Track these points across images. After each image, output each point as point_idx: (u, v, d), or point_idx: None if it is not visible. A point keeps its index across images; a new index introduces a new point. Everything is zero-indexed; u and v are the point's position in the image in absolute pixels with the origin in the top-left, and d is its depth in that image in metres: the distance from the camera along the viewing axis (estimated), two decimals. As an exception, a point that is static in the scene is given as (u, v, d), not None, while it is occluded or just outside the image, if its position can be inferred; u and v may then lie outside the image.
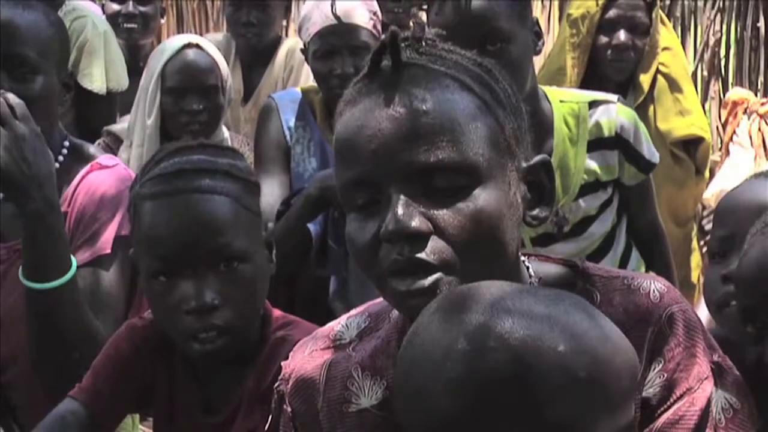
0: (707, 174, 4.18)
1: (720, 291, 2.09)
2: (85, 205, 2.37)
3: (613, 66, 3.86)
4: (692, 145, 3.96)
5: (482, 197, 1.34)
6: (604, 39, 3.84)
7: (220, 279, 1.91)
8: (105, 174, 2.39)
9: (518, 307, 1.23)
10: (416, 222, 1.33)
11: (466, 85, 1.38)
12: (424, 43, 1.41)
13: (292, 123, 3.20)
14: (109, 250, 2.32)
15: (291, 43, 4.47)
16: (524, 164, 1.41)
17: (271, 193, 3.05)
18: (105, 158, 2.45)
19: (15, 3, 2.37)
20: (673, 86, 3.95)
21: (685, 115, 3.94)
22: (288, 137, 3.18)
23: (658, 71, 3.94)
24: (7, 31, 2.32)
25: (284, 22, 4.82)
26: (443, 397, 1.22)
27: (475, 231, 1.34)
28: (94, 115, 4.06)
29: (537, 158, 1.43)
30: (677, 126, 3.93)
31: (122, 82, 4.17)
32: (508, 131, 1.39)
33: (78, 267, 2.27)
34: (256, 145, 3.31)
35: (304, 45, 3.22)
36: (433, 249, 1.33)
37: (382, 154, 1.34)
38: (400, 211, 1.33)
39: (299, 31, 3.27)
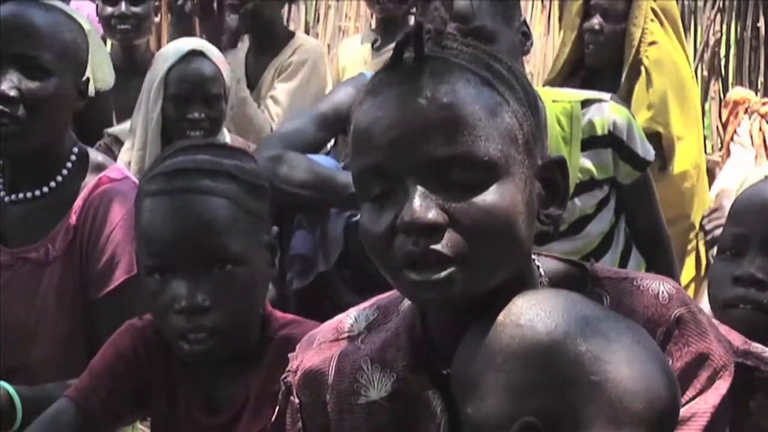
0: (673, 169, 4.16)
1: (729, 291, 2.07)
2: (97, 224, 2.37)
3: (586, 50, 3.96)
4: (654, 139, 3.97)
5: (499, 192, 1.35)
6: (585, 25, 3.96)
7: (214, 281, 1.90)
8: (115, 189, 2.38)
9: (575, 305, 1.34)
10: (433, 214, 1.33)
11: (487, 81, 1.38)
12: (445, 38, 1.41)
13: None
14: (135, 271, 2.32)
15: (298, 42, 4.48)
16: (539, 162, 1.42)
17: (304, 130, 3.02)
18: (114, 171, 2.44)
19: (37, 4, 2.39)
20: (649, 80, 3.97)
21: (649, 109, 3.96)
22: None
23: (642, 64, 3.97)
24: (25, 31, 2.33)
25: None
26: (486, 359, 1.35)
27: (491, 225, 1.34)
28: (86, 115, 4.06)
29: (552, 156, 1.44)
30: (641, 119, 3.94)
31: (108, 79, 4.16)
32: (526, 128, 1.39)
33: (107, 292, 2.33)
34: (330, 92, 3.28)
35: None
36: (449, 241, 1.33)
37: (400, 144, 1.35)
38: (417, 202, 1.33)
39: None
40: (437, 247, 1.33)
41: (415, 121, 1.35)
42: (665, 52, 4.08)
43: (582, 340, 1.30)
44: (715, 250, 3.31)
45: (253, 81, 4.47)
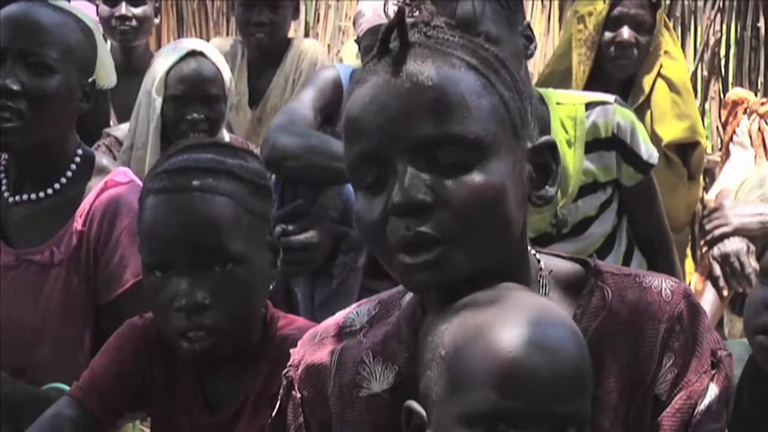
0: (701, 179, 4.19)
1: (762, 318, 2.08)
2: (105, 229, 2.38)
3: (616, 63, 3.88)
4: (688, 149, 3.96)
5: (486, 171, 1.37)
6: (608, 35, 3.87)
7: (214, 279, 1.91)
8: (121, 193, 2.39)
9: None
10: (422, 194, 1.35)
11: (472, 66, 1.41)
12: (432, 28, 1.43)
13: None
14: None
15: (301, 46, 4.48)
16: (529, 145, 1.44)
17: (304, 105, 3.02)
18: (119, 174, 2.46)
19: (45, 4, 2.42)
20: (672, 89, 3.97)
21: (682, 119, 3.95)
22: (344, 93, 3.16)
23: (658, 74, 3.96)
24: (31, 28, 2.36)
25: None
26: None
27: (479, 204, 1.36)
28: (88, 113, 4.05)
29: (542, 139, 1.46)
30: (674, 129, 3.94)
31: (112, 78, 4.17)
32: (513, 111, 1.42)
33: (116, 296, 2.36)
34: (308, 78, 3.28)
35: (358, 38, 3.26)
36: (438, 222, 1.36)
37: (388, 128, 1.37)
38: (406, 183, 1.36)
39: (353, 23, 3.31)
40: (427, 230, 1.35)
41: (401, 103, 1.37)
42: (678, 59, 4.09)
43: (449, 320, 1.35)
44: (715, 250, 3.33)
45: (257, 92, 4.46)
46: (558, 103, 2.79)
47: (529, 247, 1.49)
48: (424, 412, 1.35)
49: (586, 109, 2.78)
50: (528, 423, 1.29)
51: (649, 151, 2.84)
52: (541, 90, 2.84)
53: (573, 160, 2.77)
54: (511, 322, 1.32)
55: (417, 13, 1.44)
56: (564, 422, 1.31)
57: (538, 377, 1.30)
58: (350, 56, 4.71)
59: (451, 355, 1.33)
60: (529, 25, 2.71)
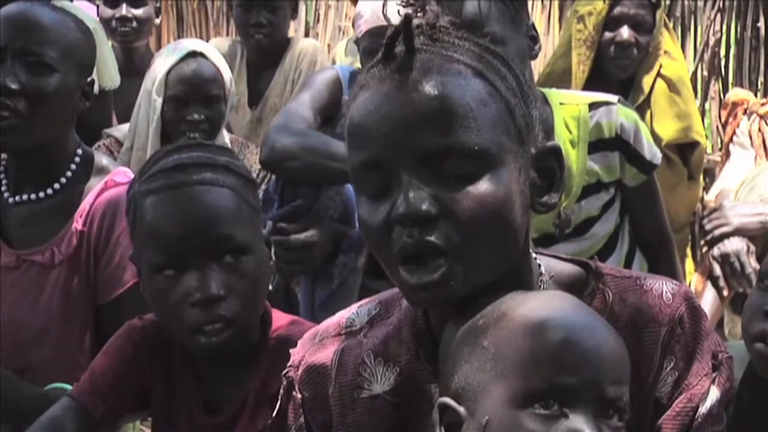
0: (701, 179, 4.19)
1: (758, 324, 2.08)
2: (105, 229, 2.37)
3: (615, 63, 3.89)
4: (688, 149, 3.97)
5: (492, 182, 1.36)
6: (608, 35, 3.87)
7: (225, 270, 1.91)
8: (121, 193, 2.38)
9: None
10: (426, 205, 1.34)
11: (478, 71, 1.40)
12: (438, 31, 1.42)
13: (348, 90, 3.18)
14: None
15: (300, 46, 4.48)
16: (534, 150, 1.43)
17: (304, 106, 3.02)
18: (119, 174, 2.45)
19: (45, 4, 2.44)
20: (672, 89, 3.97)
21: (681, 119, 3.96)
22: (344, 94, 3.15)
23: (658, 74, 3.96)
24: (30, 27, 2.36)
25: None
26: None
27: (484, 215, 1.35)
28: (89, 113, 4.06)
29: (547, 145, 1.45)
30: (674, 129, 3.94)
31: (115, 78, 4.18)
32: (519, 118, 1.41)
33: (116, 296, 2.36)
34: (307, 79, 3.28)
35: (357, 39, 3.25)
36: (443, 232, 1.35)
37: (393, 137, 1.36)
38: (411, 194, 1.35)
39: (353, 24, 3.30)
40: (431, 238, 1.35)
41: (407, 113, 1.36)
42: (678, 59, 4.09)
43: (484, 316, 1.36)
44: (715, 250, 3.33)
45: (257, 92, 4.46)
46: (561, 104, 2.78)
47: (530, 248, 1.49)
48: (461, 408, 1.34)
49: (590, 110, 2.78)
50: (578, 401, 1.29)
51: (652, 152, 2.84)
52: (544, 90, 2.84)
53: (576, 160, 2.77)
54: (557, 308, 1.33)
55: (420, 14, 1.43)
56: (610, 405, 1.32)
57: (591, 355, 1.31)
58: (341, 55, 4.72)
59: (497, 343, 1.33)
60: (533, 26, 2.71)
